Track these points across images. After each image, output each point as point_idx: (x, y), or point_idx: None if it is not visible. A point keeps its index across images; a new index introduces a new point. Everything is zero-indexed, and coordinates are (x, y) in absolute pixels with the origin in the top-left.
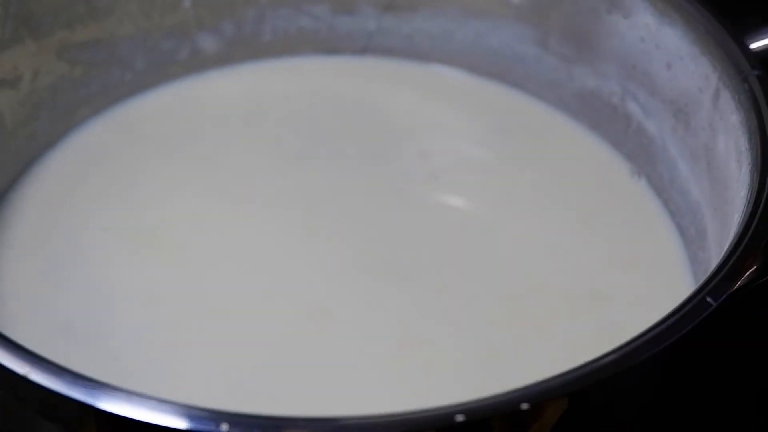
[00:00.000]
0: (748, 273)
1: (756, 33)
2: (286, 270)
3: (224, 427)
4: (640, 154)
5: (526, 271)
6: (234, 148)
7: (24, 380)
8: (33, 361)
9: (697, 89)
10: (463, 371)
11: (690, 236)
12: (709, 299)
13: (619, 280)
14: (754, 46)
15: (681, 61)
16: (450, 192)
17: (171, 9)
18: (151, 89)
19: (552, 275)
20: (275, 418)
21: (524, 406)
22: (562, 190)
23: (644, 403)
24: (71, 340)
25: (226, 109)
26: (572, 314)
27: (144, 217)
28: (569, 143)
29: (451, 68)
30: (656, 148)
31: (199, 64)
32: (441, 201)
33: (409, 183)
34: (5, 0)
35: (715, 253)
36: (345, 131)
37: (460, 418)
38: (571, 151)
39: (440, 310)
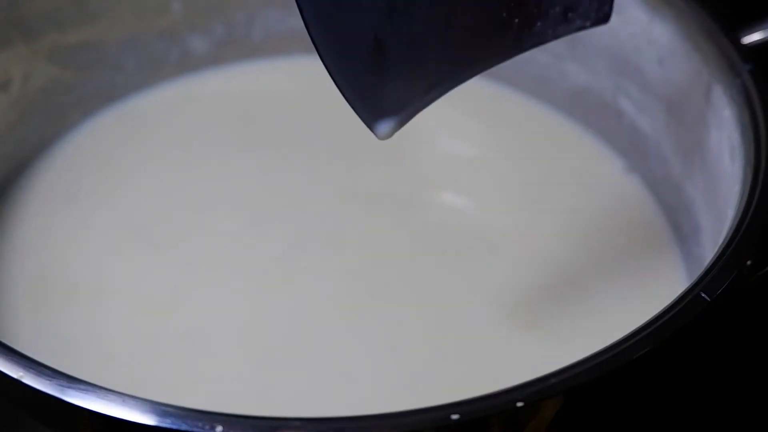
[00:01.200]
0: (742, 268)
1: (748, 28)
2: (281, 269)
3: (219, 428)
4: (633, 150)
5: (520, 267)
6: (226, 148)
7: (18, 384)
8: (27, 365)
9: (689, 85)
10: (458, 369)
11: (684, 232)
12: (703, 295)
13: (613, 277)
14: (746, 40)
15: (673, 57)
16: (442, 189)
17: (161, 11)
18: (142, 91)
19: (545, 272)
20: (270, 419)
21: (519, 404)
22: (555, 187)
23: (640, 400)
24: (68, 343)
25: (218, 109)
26: (565, 311)
27: (137, 219)
28: (562, 140)
29: None
30: (649, 144)
31: (190, 65)
32: (434, 198)
33: (401, 181)
34: None
35: (710, 248)
36: (336, 131)
37: (455, 416)
38: (563, 147)
39: (434, 308)
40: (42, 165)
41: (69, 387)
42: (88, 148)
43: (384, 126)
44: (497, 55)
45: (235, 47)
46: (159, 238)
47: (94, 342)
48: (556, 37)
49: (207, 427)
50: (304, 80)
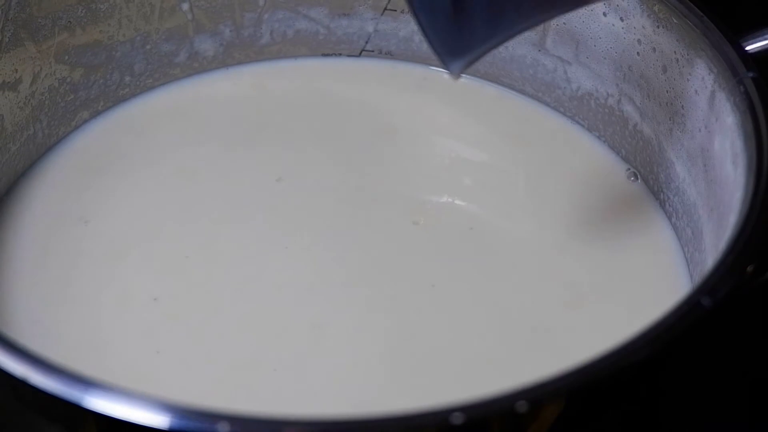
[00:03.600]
0: (743, 274)
1: (751, 36)
2: (282, 272)
3: (224, 427)
4: (637, 155)
5: (523, 271)
6: (233, 149)
7: (23, 382)
8: (32, 363)
9: (693, 91)
10: (461, 373)
11: (686, 237)
12: (704, 300)
13: (615, 281)
14: (749, 48)
15: (677, 64)
16: (447, 194)
17: (170, 12)
18: (150, 92)
19: (548, 276)
20: (274, 419)
21: (522, 406)
22: (559, 192)
23: (641, 403)
24: (72, 342)
25: (225, 111)
26: (569, 314)
27: (144, 220)
28: (566, 145)
29: None
30: (653, 150)
31: (197, 66)
32: (438, 202)
33: (406, 185)
34: (5, 3)
35: (711, 254)
36: (343, 133)
37: (457, 417)
38: (568, 152)
39: (436, 313)
40: (49, 164)
41: (73, 384)
42: (96, 148)
43: (457, 64)
44: (567, 3)
45: (243, 49)
46: (165, 238)
47: (99, 340)
48: None
49: (210, 425)
50: (311, 82)
